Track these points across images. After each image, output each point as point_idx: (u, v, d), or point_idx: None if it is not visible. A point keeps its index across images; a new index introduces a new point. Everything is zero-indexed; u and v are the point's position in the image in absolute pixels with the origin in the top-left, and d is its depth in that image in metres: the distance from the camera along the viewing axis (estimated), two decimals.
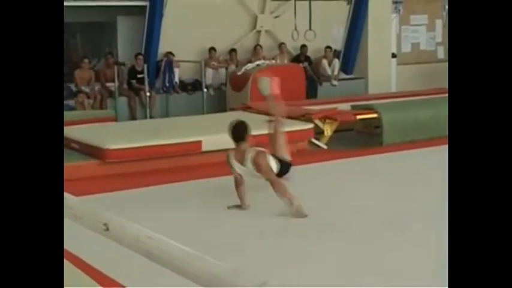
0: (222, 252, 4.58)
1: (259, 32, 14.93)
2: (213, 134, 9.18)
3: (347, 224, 6.19)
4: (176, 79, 13.67)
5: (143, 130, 9.94)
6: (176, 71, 13.66)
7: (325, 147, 10.22)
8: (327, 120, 10.37)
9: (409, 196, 7.06)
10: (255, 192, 6.64)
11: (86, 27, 14.57)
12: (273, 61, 14.03)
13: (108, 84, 13.04)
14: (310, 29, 13.96)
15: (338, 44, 15.79)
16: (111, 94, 12.94)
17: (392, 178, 7.99)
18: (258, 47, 14.48)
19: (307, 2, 13.90)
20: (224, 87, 13.87)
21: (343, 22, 15.78)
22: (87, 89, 12.71)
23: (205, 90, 13.31)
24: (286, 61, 14.63)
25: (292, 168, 6.76)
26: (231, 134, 6.64)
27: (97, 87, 12.99)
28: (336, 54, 15.52)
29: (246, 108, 11.36)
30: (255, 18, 14.88)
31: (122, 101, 12.97)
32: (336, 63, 15.21)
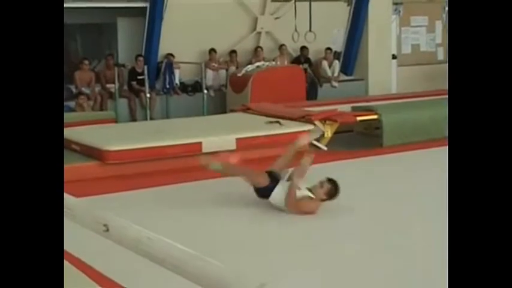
0: (223, 254, 4.58)
1: (259, 33, 14.94)
2: (213, 136, 9.19)
3: (347, 225, 6.19)
4: (176, 80, 13.68)
5: (143, 131, 9.94)
6: (176, 72, 13.68)
7: (325, 148, 10.21)
8: (327, 122, 10.36)
9: (409, 197, 7.07)
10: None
11: (86, 29, 14.58)
12: (273, 63, 14.04)
13: (108, 85, 13.05)
14: (310, 30, 13.96)
15: (338, 46, 15.80)
16: (111, 95, 12.94)
17: (392, 179, 7.99)
18: (259, 49, 14.49)
19: (308, 3, 13.90)
20: (224, 88, 13.88)
21: (343, 23, 15.78)
22: (87, 91, 12.73)
23: (205, 91, 13.30)
24: (286, 62, 14.64)
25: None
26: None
27: (97, 88, 13.01)
28: (336, 55, 15.53)
29: (246, 110, 11.37)
30: (255, 20, 14.89)
31: (122, 102, 12.98)
32: (336, 64, 15.21)
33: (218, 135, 9.23)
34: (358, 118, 10.67)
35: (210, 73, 13.87)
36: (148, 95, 12.81)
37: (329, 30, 15.43)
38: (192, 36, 13.69)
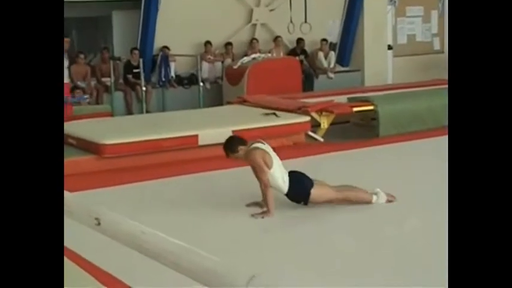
0: (218, 247, 4.59)
1: (254, 25, 14.91)
2: (209, 128, 9.19)
3: (344, 217, 6.19)
4: (172, 73, 13.65)
5: (139, 125, 9.93)
6: (172, 65, 13.64)
7: (321, 139, 10.22)
8: (324, 113, 10.36)
9: (406, 188, 7.06)
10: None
11: (81, 23, 14.53)
12: (269, 54, 14.02)
13: (104, 79, 13.02)
14: (305, 21, 13.93)
15: (334, 37, 15.77)
16: (107, 89, 12.92)
17: (389, 170, 7.99)
18: (254, 41, 14.46)
19: None
20: (220, 81, 13.86)
21: (338, 14, 15.75)
22: (83, 84, 12.70)
23: (201, 84, 13.29)
24: (282, 54, 14.62)
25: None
26: (224, 150, 6.43)
27: (93, 82, 12.99)
28: (332, 46, 15.51)
29: (242, 102, 11.36)
30: (251, 12, 14.85)
31: (118, 95, 12.95)
32: (332, 55, 15.19)
33: (214, 127, 9.22)
34: (355, 109, 10.67)
35: (205, 65, 13.84)
36: (144, 88, 12.79)
37: (324, 22, 15.40)
38: (188, 29, 13.66)
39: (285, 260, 5.09)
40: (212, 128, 9.21)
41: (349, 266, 5.00)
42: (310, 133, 10.25)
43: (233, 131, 9.08)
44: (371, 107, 10.54)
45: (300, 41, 14.76)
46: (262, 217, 6.14)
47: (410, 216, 6.11)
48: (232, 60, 13.93)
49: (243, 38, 14.71)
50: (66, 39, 11.83)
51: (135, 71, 12.92)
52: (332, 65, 15.12)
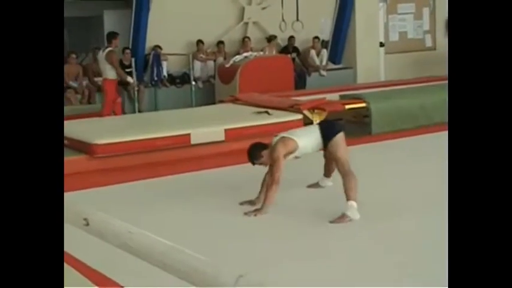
0: (209, 246, 4.58)
1: (246, 23, 14.90)
2: (202, 127, 9.17)
3: (338, 214, 6.17)
4: (164, 72, 13.65)
5: (132, 124, 9.91)
6: (164, 64, 13.64)
7: None
8: (316, 111, 10.35)
9: (398, 185, 7.07)
10: (251, 188, 6.58)
11: (73, 22, 14.47)
12: (261, 53, 14.02)
13: (96, 79, 12.99)
14: (297, 19, 13.94)
15: (326, 34, 15.78)
16: (99, 89, 12.89)
17: (382, 167, 7.99)
18: (246, 39, 14.46)
19: None
20: (213, 79, 13.86)
21: (330, 12, 15.76)
22: (75, 84, 12.69)
23: (193, 83, 13.29)
24: (274, 52, 14.62)
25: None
26: (249, 160, 6.39)
27: (85, 82, 12.97)
28: (324, 44, 15.52)
29: (235, 100, 11.35)
30: (242, 10, 14.85)
31: None
32: (324, 53, 15.22)
33: (207, 126, 9.21)
34: (347, 106, 10.68)
35: (198, 64, 13.84)
36: (136, 88, 12.77)
37: (316, 19, 15.41)
38: (179, 28, 13.65)
39: (280, 255, 5.09)
40: (204, 126, 9.20)
41: (345, 265, 4.99)
42: None
43: (225, 130, 9.10)
44: (363, 105, 10.55)
45: (291, 38, 14.77)
46: (255, 215, 6.14)
47: (404, 213, 6.10)
48: (225, 58, 13.92)
49: (235, 36, 14.71)
50: None
51: (127, 70, 12.86)
52: (324, 63, 15.14)
